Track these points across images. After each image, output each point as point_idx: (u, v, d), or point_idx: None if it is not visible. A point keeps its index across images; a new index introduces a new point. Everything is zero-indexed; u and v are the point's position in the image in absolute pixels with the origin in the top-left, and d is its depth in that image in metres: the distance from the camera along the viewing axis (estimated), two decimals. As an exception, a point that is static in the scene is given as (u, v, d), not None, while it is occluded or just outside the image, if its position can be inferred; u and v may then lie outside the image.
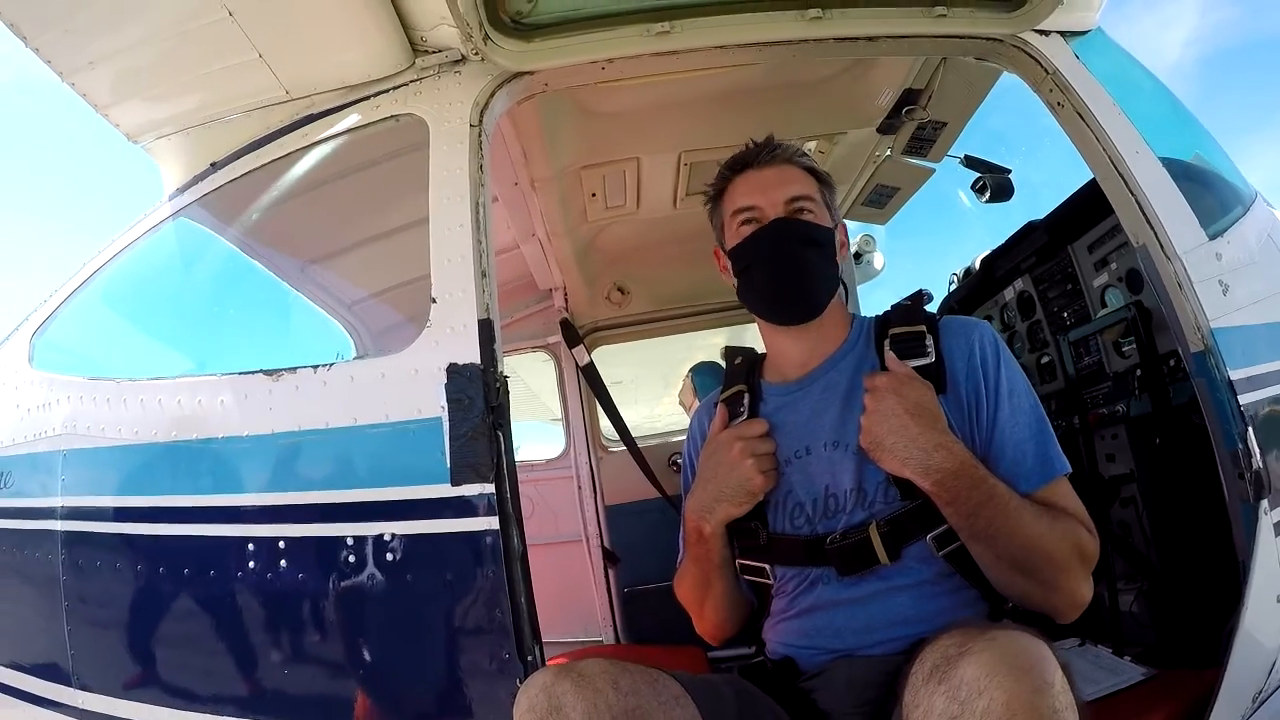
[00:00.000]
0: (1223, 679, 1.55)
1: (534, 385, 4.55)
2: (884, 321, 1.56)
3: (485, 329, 1.56)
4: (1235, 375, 1.65)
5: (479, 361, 1.53)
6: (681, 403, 3.41)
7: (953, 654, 1.01)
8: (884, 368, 1.47)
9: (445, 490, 1.48)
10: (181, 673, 1.68)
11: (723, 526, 1.51)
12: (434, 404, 1.52)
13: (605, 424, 3.74)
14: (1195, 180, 1.95)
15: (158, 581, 1.69)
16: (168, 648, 1.70)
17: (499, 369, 1.55)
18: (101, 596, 1.76)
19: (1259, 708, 1.66)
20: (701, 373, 3.23)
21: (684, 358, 4.93)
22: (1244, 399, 1.64)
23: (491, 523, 1.46)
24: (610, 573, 3.51)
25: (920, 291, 1.61)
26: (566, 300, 3.58)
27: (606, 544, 3.53)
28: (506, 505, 1.47)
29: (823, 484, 1.46)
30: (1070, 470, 1.40)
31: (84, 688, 1.76)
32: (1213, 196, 1.96)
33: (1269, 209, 2.06)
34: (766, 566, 1.52)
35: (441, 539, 1.49)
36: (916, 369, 1.43)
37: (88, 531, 1.79)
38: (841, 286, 1.61)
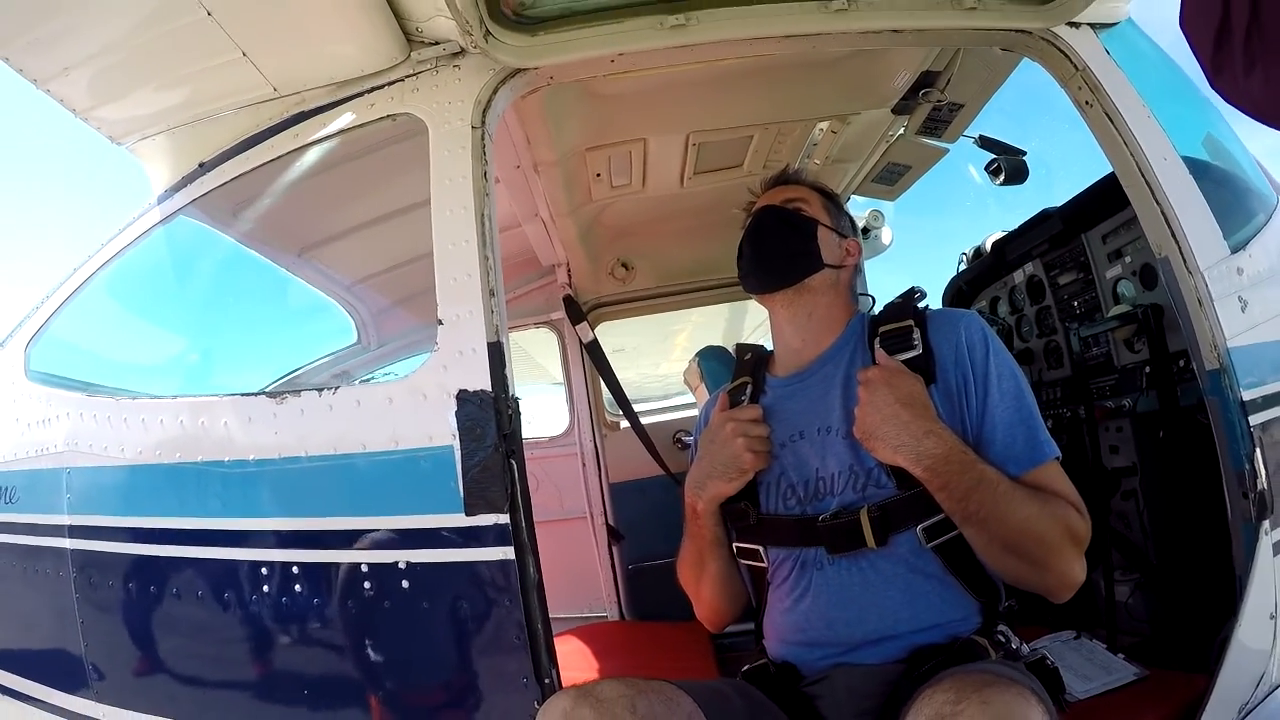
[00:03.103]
0: (1212, 690, 1.59)
1: (536, 354, 4.52)
2: (876, 319, 1.61)
3: (495, 352, 1.52)
4: (1248, 395, 1.64)
5: (490, 388, 1.49)
6: (687, 383, 3.40)
7: (946, 713, 1.05)
8: (875, 363, 1.50)
9: (459, 520, 1.47)
10: (200, 692, 1.70)
11: (715, 504, 1.58)
12: (444, 432, 1.49)
13: (610, 398, 3.73)
14: (1219, 185, 1.91)
15: (172, 602, 1.69)
16: (185, 667, 1.72)
17: (510, 394, 1.52)
18: (116, 616, 1.77)
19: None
20: (708, 357, 3.21)
21: (680, 327, 4.89)
22: (1254, 419, 1.64)
23: (507, 553, 1.46)
24: (615, 549, 3.54)
25: (912, 289, 1.63)
26: (570, 276, 3.51)
27: (611, 521, 3.56)
28: (522, 535, 1.47)
29: (813, 467, 1.51)
30: (1060, 455, 1.44)
31: (103, 700, 1.78)
32: (1236, 204, 1.92)
33: None
34: (760, 549, 1.56)
35: (457, 568, 1.49)
36: (905, 361, 1.48)
37: (98, 551, 1.78)
38: (848, 289, 1.69)
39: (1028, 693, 1.08)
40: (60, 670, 1.86)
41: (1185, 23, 1.08)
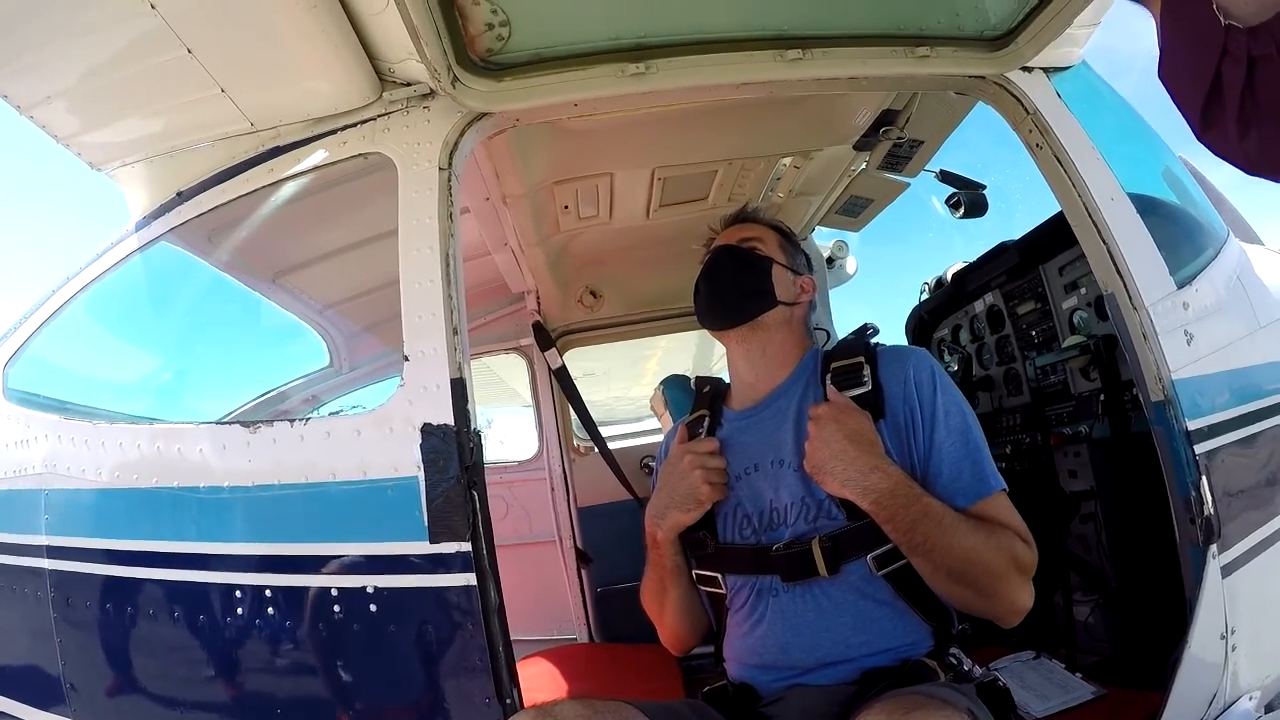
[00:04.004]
0: (1164, 707, 1.65)
1: (507, 377, 4.57)
2: (829, 355, 1.66)
3: (458, 388, 1.57)
4: (1193, 425, 1.71)
5: (453, 422, 1.55)
6: (653, 410, 3.48)
7: None
8: (826, 398, 1.55)
9: (424, 547, 1.52)
10: (173, 713, 1.72)
11: (674, 534, 1.63)
12: (410, 463, 1.55)
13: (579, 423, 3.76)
14: (1169, 222, 1.98)
15: (148, 624, 1.72)
16: (159, 688, 1.75)
17: (473, 428, 1.57)
18: (93, 636, 1.79)
19: (1198, 735, 1.77)
20: (672, 385, 3.30)
21: (651, 352, 4.95)
22: (1199, 447, 1.70)
23: (469, 579, 1.51)
24: (583, 572, 3.60)
25: (864, 325, 1.70)
26: (539, 303, 3.57)
27: (579, 544, 3.61)
28: (483, 561, 1.51)
29: (767, 499, 1.56)
30: (1005, 487, 1.49)
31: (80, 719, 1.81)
32: (1185, 240, 2.00)
33: (1239, 248, 2.09)
34: (719, 576, 1.61)
35: (422, 593, 1.54)
36: (855, 397, 1.54)
37: (76, 572, 1.81)
38: (802, 325, 1.75)
39: (959, 713, 1.14)
40: (38, 689, 1.88)
41: (1166, 77, 1.08)
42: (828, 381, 1.59)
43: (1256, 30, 0.91)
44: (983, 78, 1.90)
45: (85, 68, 1.75)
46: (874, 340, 1.66)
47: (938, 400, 1.52)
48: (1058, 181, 1.87)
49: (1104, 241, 1.80)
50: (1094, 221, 1.81)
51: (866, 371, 1.57)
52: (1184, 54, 1.04)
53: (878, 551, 1.45)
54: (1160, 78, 1.09)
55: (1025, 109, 1.89)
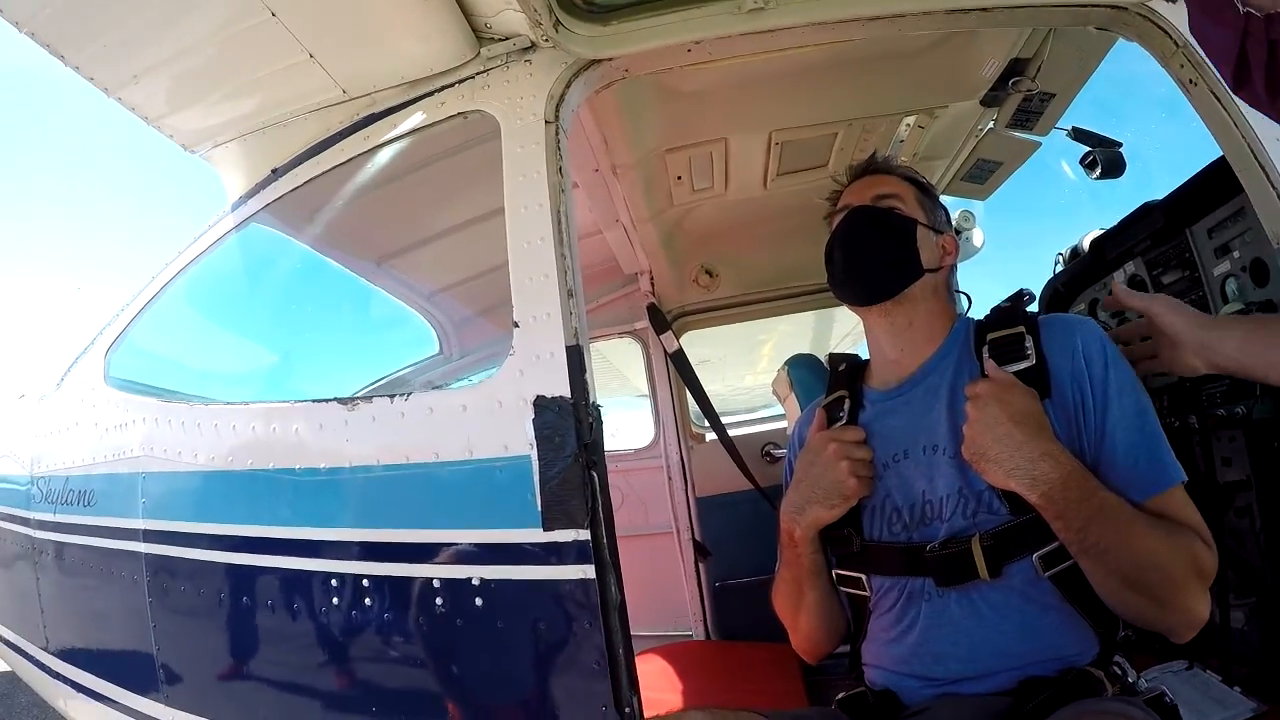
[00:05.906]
0: None
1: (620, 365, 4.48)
2: (983, 325, 1.48)
3: (574, 356, 1.44)
4: None
5: (569, 394, 1.41)
6: (776, 394, 3.31)
7: None
8: (984, 374, 1.38)
9: (536, 535, 1.39)
10: (264, 703, 1.67)
11: (813, 531, 1.49)
12: (521, 440, 1.41)
13: (696, 410, 3.66)
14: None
15: (241, 610, 1.68)
16: (251, 676, 1.70)
17: (592, 400, 1.44)
18: (186, 621, 1.78)
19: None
20: (797, 366, 3.09)
21: (766, 337, 4.80)
22: None
23: (587, 571, 1.36)
24: (701, 566, 3.46)
25: (1021, 291, 1.52)
26: (653, 284, 3.45)
27: (697, 536, 3.48)
28: (603, 552, 1.37)
29: (919, 489, 1.41)
30: (1185, 479, 1.30)
31: (173, 705, 1.79)
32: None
33: None
34: (863, 577, 1.46)
35: (533, 586, 1.40)
36: (1017, 373, 1.36)
37: (170, 556, 1.79)
38: (946, 290, 1.60)
39: None
40: (133, 672, 1.88)
41: (1197, 36, 1.09)
42: (985, 354, 1.41)
43: (1273, 17, 0.92)
44: (1124, 9, 1.70)
45: (168, 42, 1.70)
46: (1030, 308, 1.48)
47: (1110, 377, 1.33)
48: (1216, 121, 1.64)
49: (1272, 185, 1.57)
50: (1260, 164, 1.58)
51: (1029, 343, 1.38)
52: (1209, 28, 1.05)
53: (1044, 550, 1.28)
54: (1191, 33, 1.13)
55: (1175, 42, 1.67)
